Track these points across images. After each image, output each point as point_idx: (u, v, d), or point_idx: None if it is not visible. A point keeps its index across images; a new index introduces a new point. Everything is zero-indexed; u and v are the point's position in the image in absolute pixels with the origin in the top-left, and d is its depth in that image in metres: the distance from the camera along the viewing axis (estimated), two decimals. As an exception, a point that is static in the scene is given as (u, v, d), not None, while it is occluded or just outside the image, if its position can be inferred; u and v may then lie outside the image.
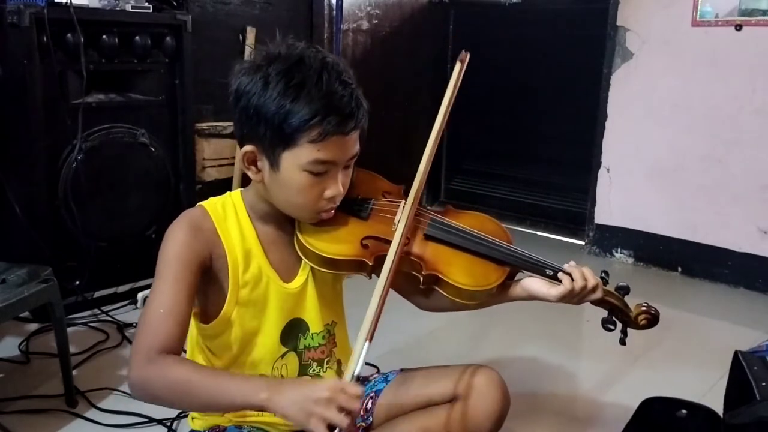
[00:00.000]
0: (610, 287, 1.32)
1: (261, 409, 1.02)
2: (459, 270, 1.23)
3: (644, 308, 1.33)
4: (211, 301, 1.21)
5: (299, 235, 1.21)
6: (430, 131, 1.29)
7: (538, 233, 3.80)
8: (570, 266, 1.27)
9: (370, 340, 1.02)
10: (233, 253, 1.20)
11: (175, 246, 1.15)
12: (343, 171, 1.17)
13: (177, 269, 1.12)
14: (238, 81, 1.14)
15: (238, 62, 1.17)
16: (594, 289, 1.26)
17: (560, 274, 1.25)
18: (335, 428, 0.96)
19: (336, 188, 1.16)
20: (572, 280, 1.24)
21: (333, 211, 1.21)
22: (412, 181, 1.28)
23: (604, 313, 1.34)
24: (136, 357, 1.06)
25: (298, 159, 1.12)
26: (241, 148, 1.18)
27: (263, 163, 1.16)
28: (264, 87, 1.11)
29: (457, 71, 1.34)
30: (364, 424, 1.34)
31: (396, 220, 1.25)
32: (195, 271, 1.14)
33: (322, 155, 1.11)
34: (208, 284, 1.20)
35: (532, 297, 1.28)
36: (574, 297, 1.25)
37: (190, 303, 1.13)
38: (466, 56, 1.36)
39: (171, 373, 1.04)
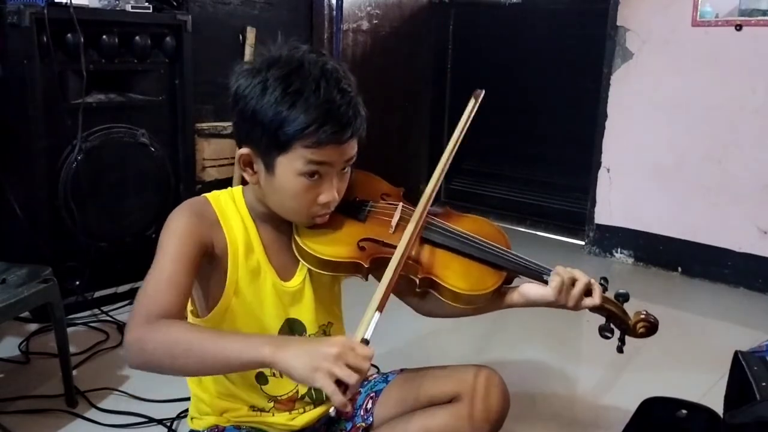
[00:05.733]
0: (609, 294, 1.31)
1: (264, 365, 0.99)
2: (455, 274, 1.23)
3: (643, 316, 1.31)
4: (209, 291, 1.21)
5: (296, 237, 1.21)
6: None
7: (538, 233, 3.79)
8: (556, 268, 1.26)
9: (381, 311, 1.00)
10: (234, 243, 1.20)
11: (178, 225, 1.15)
12: (338, 176, 1.17)
13: (179, 244, 1.12)
14: (237, 83, 1.14)
15: (238, 63, 1.17)
16: (588, 287, 1.24)
17: (547, 276, 1.24)
18: (342, 385, 0.92)
19: (330, 194, 1.16)
20: (558, 274, 1.23)
21: (327, 216, 1.21)
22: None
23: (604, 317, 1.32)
24: (134, 319, 1.04)
25: (292, 164, 1.12)
26: (239, 148, 1.18)
27: (259, 166, 1.16)
28: (262, 92, 1.10)
29: (471, 107, 1.33)
30: (364, 424, 1.34)
31: (393, 223, 1.25)
32: (197, 248, 1.14)
33: (316, 157, 1.11)
34: (209, 272, 1.20)
35: (529, 303, 1.27)
36: (567, 293, 1.23)
37: (191, 277, 1.12)
38: (481, 93, 1.36)
39: (171, 333, 1.01)
